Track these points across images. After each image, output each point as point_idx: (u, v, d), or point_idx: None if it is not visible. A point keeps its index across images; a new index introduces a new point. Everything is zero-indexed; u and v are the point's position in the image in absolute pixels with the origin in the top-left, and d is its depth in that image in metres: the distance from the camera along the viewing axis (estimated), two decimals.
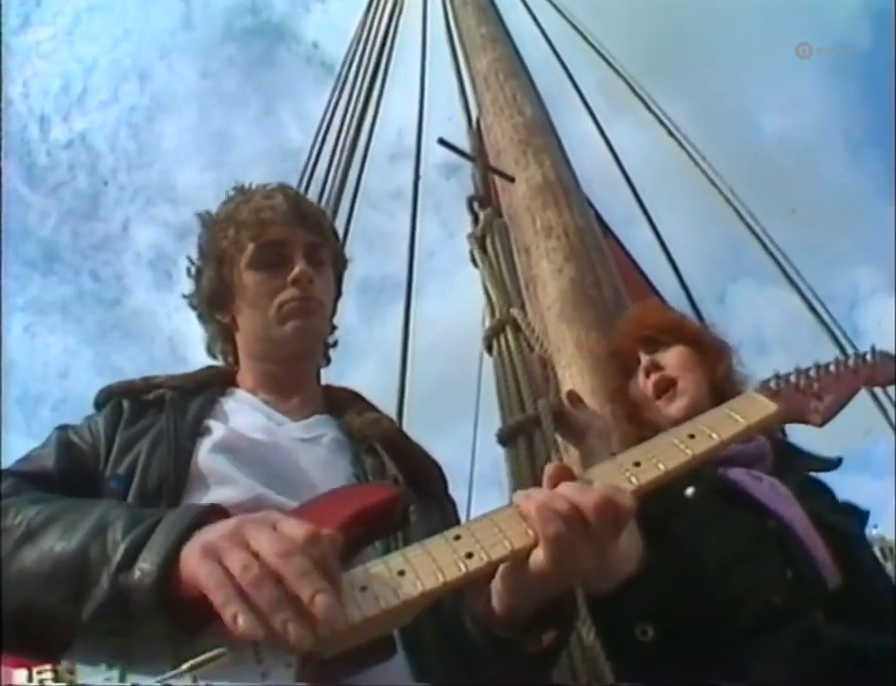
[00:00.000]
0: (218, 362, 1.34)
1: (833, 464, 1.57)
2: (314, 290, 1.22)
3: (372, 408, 1.28)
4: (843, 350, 3.36)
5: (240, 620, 0.65)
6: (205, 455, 1.04)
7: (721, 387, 1.58)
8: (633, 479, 0.88)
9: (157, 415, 1.11)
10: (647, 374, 1.63)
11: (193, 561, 0.71)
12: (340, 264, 1.37)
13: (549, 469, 0.88)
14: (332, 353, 1.41)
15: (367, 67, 5.10)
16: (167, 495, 0.98)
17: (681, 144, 4.63)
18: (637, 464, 0.90)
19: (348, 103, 4.69)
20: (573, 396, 1.76)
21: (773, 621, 1.23)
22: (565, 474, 0.85)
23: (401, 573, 0.77)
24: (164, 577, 0.71)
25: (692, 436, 0.95)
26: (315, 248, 1.27)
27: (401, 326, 2.94)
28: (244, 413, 1.16)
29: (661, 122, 4.80)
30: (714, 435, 0.95)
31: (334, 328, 1.38)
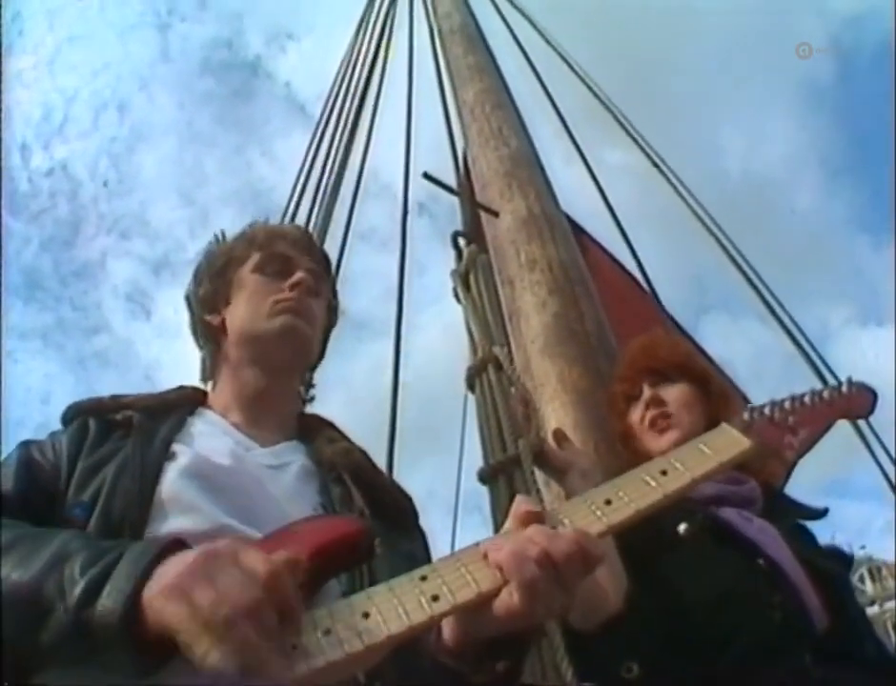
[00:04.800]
0: (195, 380, 1.34)
1: (819, 514, 1.59)
2: (310, 300, 1.28)
3: (343, 437, 1.28)
4: (824, 381, 3.37)
5: (212, 656, 0.65)
6: (170, 483, 1.02)
7: None
8: (604, 519, 0.87)
9: (124, 439, 1.09)
10: (647, 407, 1.66)
11: (157, 603, 0.70)
12: (334, 302, 1.43)
13: (518, 508, 0.88)
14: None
15: (350, 105, 5.07)
16: (129, 525, 0.96)
17: (665, 175, 4.66)
18: (608, 502, 0.89)
19: (331, 141, 4.67)
20: (558, 435, 1.77)
21: (762, 661, 1.23)
22: (534, 518, 0.85)
23: (366, 615, 0.76)
24: (128, 617, 0.70)
25: (664, 473, 0.93)
26: (316, 276, 1.32)
27: (391, 363, 2.93)
28: (212, 437, 1.15)
29: (647, 154, 4.83)
30: (686, 472, 0.94)
31: (322, 354, 1.39)
